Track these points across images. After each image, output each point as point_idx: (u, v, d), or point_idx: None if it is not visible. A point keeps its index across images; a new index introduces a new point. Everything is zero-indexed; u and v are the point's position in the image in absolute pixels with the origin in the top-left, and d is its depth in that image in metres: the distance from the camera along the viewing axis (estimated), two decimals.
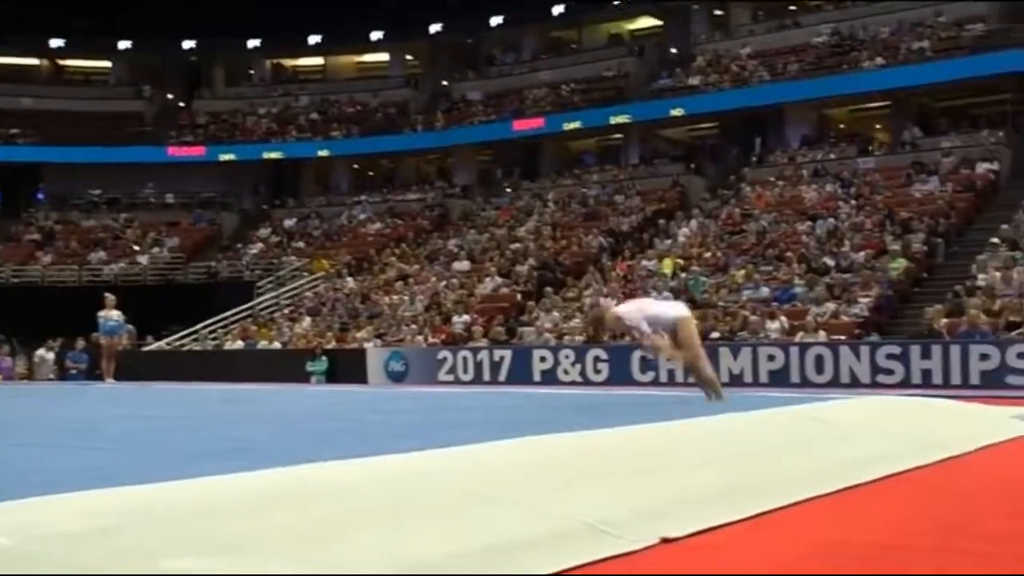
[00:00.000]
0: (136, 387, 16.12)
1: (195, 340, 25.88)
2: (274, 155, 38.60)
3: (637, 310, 8.96)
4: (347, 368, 20.01)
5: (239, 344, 23.89)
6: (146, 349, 25.44)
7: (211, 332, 26.25)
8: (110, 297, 19.33)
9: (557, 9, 38.84)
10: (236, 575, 2.71)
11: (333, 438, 6.18)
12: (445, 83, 40.96)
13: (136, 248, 34.95)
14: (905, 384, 14.04)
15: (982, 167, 24.93)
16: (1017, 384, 13.43)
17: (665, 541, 3.38)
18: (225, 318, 27.05)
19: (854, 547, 3.43)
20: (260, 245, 34.61)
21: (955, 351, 14.23)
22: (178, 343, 26.21)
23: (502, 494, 3.71)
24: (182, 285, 33.16)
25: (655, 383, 15.60)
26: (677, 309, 9.24)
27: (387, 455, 4.28)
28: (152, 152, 38.34)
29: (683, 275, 21.64)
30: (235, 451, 5.23)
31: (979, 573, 3.05)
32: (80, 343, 22.63)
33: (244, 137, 39.42)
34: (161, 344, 26.17)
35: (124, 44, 41.69)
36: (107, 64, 43.07)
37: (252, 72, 44.05)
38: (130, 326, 20.76)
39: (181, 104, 42.62)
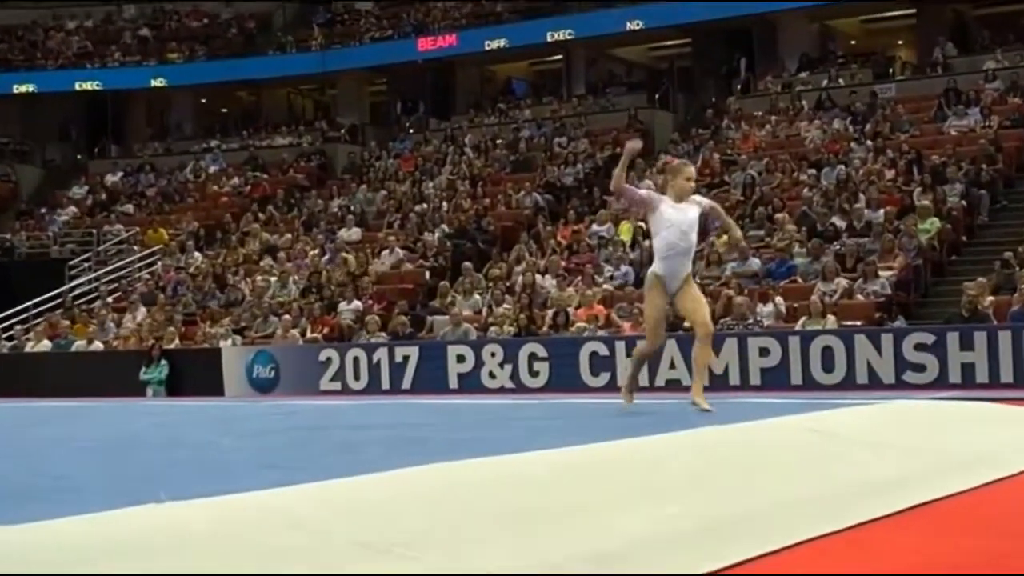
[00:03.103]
0: None
1: None
2: (90, 85, 38.08)
3: None
4: (195, 375, 19.96)
5: (45, 345, 23.60)
6: None
7: (6, 329, 25.88)
8: None
9: None
10: None
11: (175, 470, 6.16)
12: None
13: None
14: (940, 383, 14.30)
15: None
16: None
17: None
18: (25, 309, 26.69)
19: None
20: (73, 209, 34.12)
21: (1004, 339, 14.48)
22: None
23: (396, 542, 3.74)
24: None
25: (609, 388, 15.69)
26: None
27: (246, 492, 4.29)
28: None
29: (646, 243, 21.77)
30: (46, 491, 5.20)
31: None
32: None
33: (47, 61, 38.78)
34: None
35: None
36: None
37: None
38: None
39: None
